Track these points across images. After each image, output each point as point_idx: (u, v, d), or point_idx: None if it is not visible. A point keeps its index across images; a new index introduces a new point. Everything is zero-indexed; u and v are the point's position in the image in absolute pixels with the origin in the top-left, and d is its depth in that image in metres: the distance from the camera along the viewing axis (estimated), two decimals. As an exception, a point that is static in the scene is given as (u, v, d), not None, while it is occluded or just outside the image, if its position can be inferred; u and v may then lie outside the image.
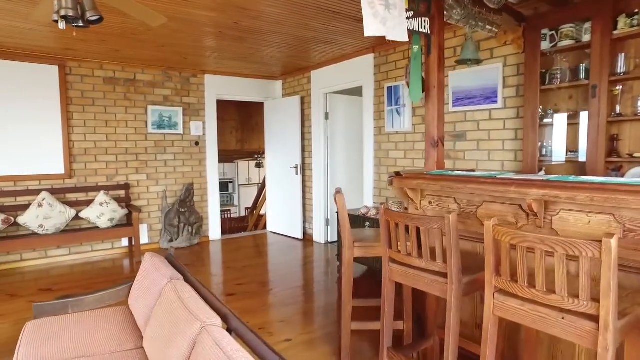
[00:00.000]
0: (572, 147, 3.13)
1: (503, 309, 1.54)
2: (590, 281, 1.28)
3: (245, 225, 8.83)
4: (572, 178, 1.79)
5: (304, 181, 6.23)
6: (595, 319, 1.29)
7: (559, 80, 3.09)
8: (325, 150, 5.85)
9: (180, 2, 3.13)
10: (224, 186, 11.23)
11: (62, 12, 2.26)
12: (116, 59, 4.99)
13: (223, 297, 3.83)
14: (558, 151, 3.20)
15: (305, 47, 4.70)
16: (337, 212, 4.68)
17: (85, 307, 2.50)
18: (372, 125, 4.89)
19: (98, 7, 2.92)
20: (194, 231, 5.86)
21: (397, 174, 2.48)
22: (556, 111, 3.18)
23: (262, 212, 8.15)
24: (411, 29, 2.31)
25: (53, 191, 4.76)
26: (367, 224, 4.14)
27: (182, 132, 5.79)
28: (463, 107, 3.76)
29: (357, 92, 5.39)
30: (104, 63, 5.08)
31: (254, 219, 8.32)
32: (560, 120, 3.15)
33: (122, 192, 5.30)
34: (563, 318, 1.37)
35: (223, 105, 8.59)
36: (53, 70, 4.74)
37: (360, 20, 3.57)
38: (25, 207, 4.57)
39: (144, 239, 5.50)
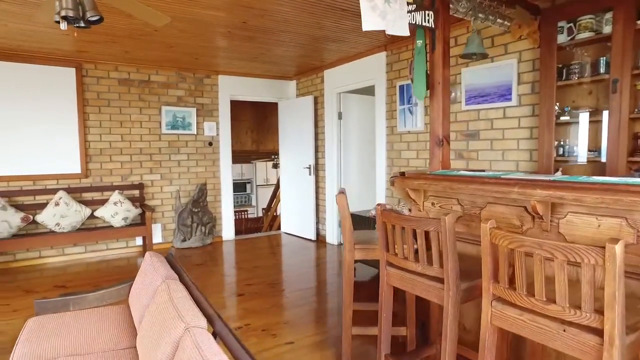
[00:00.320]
0: (592, 146, 2.95)
1: (501, 319, 1.44)
2: (594, 291, 1.17)
3: (261, 225, 8.85)
4: (582, 178, 1.67)
5: (317, 182, 6.17)
6: (599, 332, 1.18)
7: (577, 75, 2.93)
8: (338, 150, 5.78)
9: (185, 2, 3.12)
10: (241, 187, 11.31)
11: (63, 13, 2.28)
12: (130, 60, 5.06)
13: (231, 297, 3.82)
14: (577, 151, 3.03)
15: (317, 46, 4.64)
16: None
17: (86, 304, 2.52)
18: (384, 125, 4.79)
19: (102, 8, 2.94)
20: (207, 231, 5.88)
21: (402, 174, 2.39)
22: (574, 108, 3.02)
23: (276, 213, 8.15)
24: (413, 22, 2.22)
25: (69, 190, 4.87)
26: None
27: (195, 133, 5.83)
28: (476, 105, 3.62)
29: (370, 91, 5.29)
30: (118, 65, 5.17)
31: (268, 220, 8.32)
32: (578, 118, 2.98)
33: (136, 192, 5.37)
34: (564, 330, 1.26)
35: (238, 106, 8.65)
36: (70, 73, 4.85)
37: (368, 17, 3.48)
38: (43, 206, 4.70)
39: (157, 238, 5.57)
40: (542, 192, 1.56)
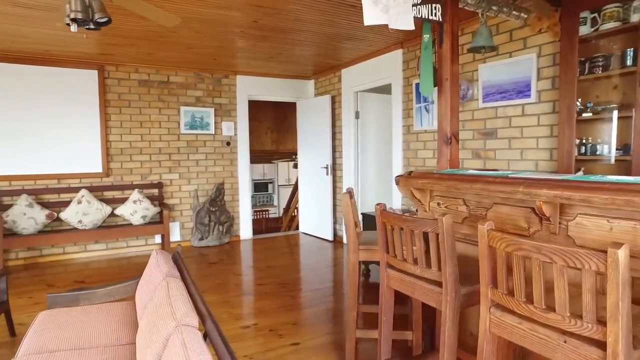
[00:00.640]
0: (619, 144, 2.77)
1: (500, 327, 1.35)
2: (597, 299, 1.07)
3: (280, 225, 8.87)
4: (594, 177, 1.55)
5: (334, 181, 6.12)
6: (602, 345, 1.08)
7: (601, 68, 2.76)
8: (356, 150, 5.71)
9: (193, 2, 3.14)
10: (263, 186, 11.38)
11: (72, 15, 2.33)
12: (150, 62, 5.17)
13: (241, 296, 3.82)
14: (601, 149, 2.85)
15: (332, 45, 4.60)
16: (362, 214, 4.53)
17: (95, 300, 2.57)
18: (400, 124, 4.69)
19: (117, 11, 3.01)
20: (224, 230, 5.93)
21: (410, 173, 2.32)
22: (598, 104, 2.84)
23: (295, 213, 8.14)
24: (419, 16, 2.14)
25: (91, 189, 5.02)
26: (390, 226, 3.95)
27: (213, 133, 5.90)
28: (494, 102, 3.48)
29: (387, 89, 5.20)
30: (139, 66, 5.29)
31: (287, 220, 8.33)
32: (602, 114, 2.80)
33: (155, 191, 5.48)
34: (565, 341, 1.16)
35: (258, 106, 8.69)
36: (93, 75, 5.00)
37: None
38: (67, 204, 4.86)
39: (175, 236, 5.66)
40: (549, 192, 1.46)
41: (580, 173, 2.88)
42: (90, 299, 2.54)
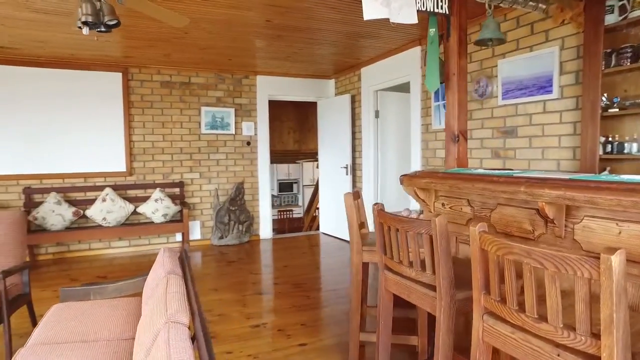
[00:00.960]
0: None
1: (493, 335, 1.26)
2: (591, 309, 0.98)
3: (302, 225, 8.88)
4: (604, 176, 1.43)
5: (354, 181, 6.05)
6: None
7: (629, 60, 2.57)
8: (375, 149, 5.62)
9: (202, 3, 3.17)
10: (288, 186, 11.42)
11: (83, 19, 2.39)
12: (171, 63, 5.28)
13: (255, 295, 3.82)
14: (630, 147, 2.65)
15: (349, 43, 4.54)
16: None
17: (106, 295, 2.63)
18: (419, 123, 4.57)
19: (130, 13, 3.07)
20: (244, 229, 5.98)
21: (416, 173, 2.23)
22: (625, 98, 2.65)
23: (316, 213, 8.12)
24: (424, 9, 2.06)
25: (115, 187, 5.18)
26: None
27: (234, 132, 5.96)
28: (514, 99, 3.32)
29: (407, 88, 5.08)
30: (161, 68, 5.41)
31: (308, 220, 8.32)
32: (631, 109, 2.61)
33: (176, 190, 5.60)
34: (558, 355, 1.07)
35: (280, 106, 8.73)
36: (117, 77, 5.17)
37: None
38: (92, 202, 5.04)
39: (196, 235, 5.76)
40: (551, 192, 1.35)
41: (606, 173, 2.70)
42: (101, 293, 2.61)
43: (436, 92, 4.22)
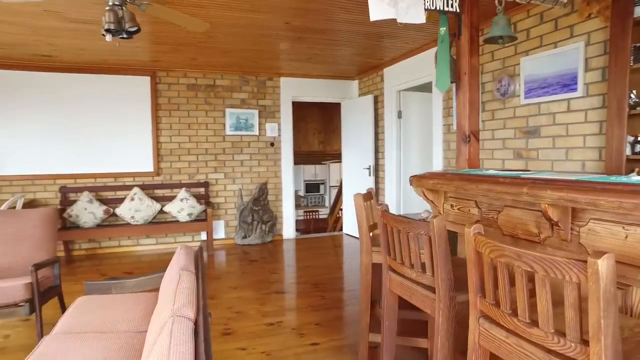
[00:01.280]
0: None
1: (488, 339, 1.24)
2: (580, 315, 0.94)
3: (327, 226, 8.90)
4: (614, 178, 1.37)
5: (376, 182, 6.02)
6: (587, 367, 0.95)
7: (659, 56, 2.43)
8: (398, 150, 5.57)
9: (221, 8, 3.25)
10: (315, 187, 11.48)
11: (106, 26, 2.52)
12: (197, 66, 5.44)
13: (272, 294, 3.87)
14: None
15: (369, 44, 4.53)
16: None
17: (126, 289, 2.75)
18: (440, 123, 4.49)
19: (152, 19, 3.20)
20: (267, 229, 6.07)
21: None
22: (655, 97, 2.51)
23: (340, 214, 8.12)
24: (433, 8, 2.04)
25: (143, 187, 5.39)
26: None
27: (257, 134, 6.06)
28: (536, 98, 3.21)
29: (429, 88, 5.01)
30: (187, 71, 5.59)
31: (332, 221, 8.33)
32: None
33: (201, 190, 5.75)
34: (550, 360, 1.04)
35: (305, 107, 8.79)
36: (145, 81, 5.38)
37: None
38: (121, 200, 5.26)
39: (220, 234, 5.89)
40: (553, 193, 1.31)
41: (634, 174, 2.56)
42: (122, 288, 2.73)
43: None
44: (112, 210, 5.20)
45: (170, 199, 5.49)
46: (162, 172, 5.57)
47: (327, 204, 12.14)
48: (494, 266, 1.17)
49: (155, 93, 5.44)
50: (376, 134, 5.95)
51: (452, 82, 2.17)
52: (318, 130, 9.45)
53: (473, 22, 2.09)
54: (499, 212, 1.71)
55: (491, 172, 1.96)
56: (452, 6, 2.07)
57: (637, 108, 2.55)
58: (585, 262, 0.89)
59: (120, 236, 5.33)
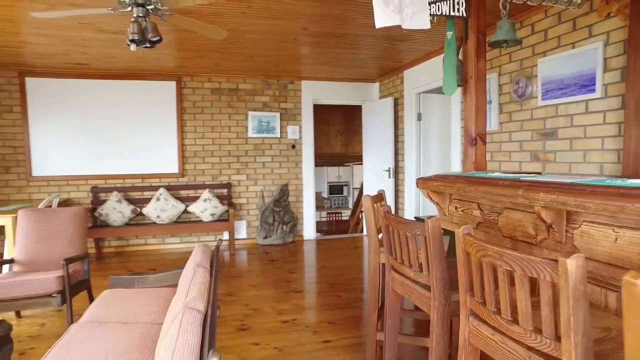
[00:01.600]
0: None
1: (477, 337, 1.27)
2: (555, 313, 0.98)
3: (349, 227, 8.94)
4: (610, 181, 1.37)
5: (396, 185, 6.03)
6: (562, 364, 0.98)
7: (679, 57, 2.37)
8: (418, 152, 5.56)
9: (240, 16, 3.38)
10: (338, 189, 11.54)
11: (131, 37, 2.69)
12: (220, 71, 5.63)
13: (289, 293, 3.97)
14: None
15: (386, 47, 4.56)
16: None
17: (148, 284, 2.91)
18: (458, 125, 4.47)
19: (180, 28, 3.36)
20: (288, 230, 6.18)
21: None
22: (675, 98, 2.44)
23: (361, 216, 8.15)
24: (439, 13, 2.07)
25: (169, 188, 5.62)
26: (440, 231, 3.79)
27: (279, 136, 6.19)
28: (554, 99, 3.16)
29: (448, 89, 4.99)
30: (211, 76, 5.78)
31: (353, 222, 8.37)
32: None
33: (224, 191, 5.93)
34: (529, 357, 1.07)
35: (327, 110, 8.88)
36: (171, 86, 5.61)
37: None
38: (148, 200, 5.51)
39: (242, 234, 6.05)
40: (546, 196, 1.33)
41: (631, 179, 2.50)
42: (143, 283, 2.89)
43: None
44: (139, 209, 5.44)
45: (194, 199, 5.69)
46: (187, 174, 5.79)
47: (350, 205, 12.17)
48: (480, 265, 1.21)
49: (180, 97, 5.66)
50: (396, 136, 5.96)
51: (459, 86, 2.20)
52: (340, 133, 9.52)
53: (479, 26, 2.11)
54: (499, 214, 1.73)
55: (495, 174, 1.98)
56: (458, 11, 2.10)
57: (657, 109, 2.48)
58: (557, 261, 0.93)
59: (146, 234, 5.57)
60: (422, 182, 2.12)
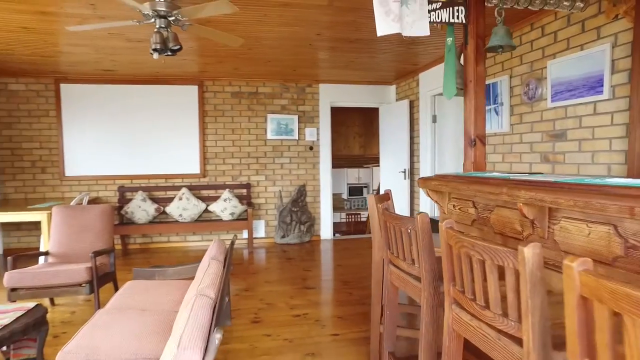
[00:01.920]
0: None
1: (459, 323, 1.38)
2: (518, 298, 1.08)
3: (366, 228, 9.01)
4: (589, 180, 1.45)
5: (411, 186, 6.08)
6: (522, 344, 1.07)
7: (684, 58, 2.38)
8: (433, 154, 5.61)
9: (254, 24, 3.55)
10: (358, 191, 11.62)
11: (153, 46, 2.90)
12: (240, 75, 5.84)
13: (302, 289, 4.11)
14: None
15: (399, 50, 4.65)
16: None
17: (167, 276, 3.11)
18: (472, 126, 4.50)
19: (196, 36, 3.56)
20: (305, 229, 6.33)
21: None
22: (681, 99, 2.45)
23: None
24: (439, 21, 2.17)
25: (190, 187, 5.87)
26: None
27: (297, 138, 6.36)
28: (563, 101, 3.19)
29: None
30: (232, 80, 6.01)
31: (369, 223, 8.43)
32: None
33: (244, 191, 6.14)
34: (499, 339, 1.17)
35: (346, 112, 8.99)
36: (194, 90, 5.87)
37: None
38: (171, 200, 5.77)
39: (260, 233, 6.25)
40: (526, 193, 1.42)
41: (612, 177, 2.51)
42: (163, 275, 3.09)
43: (488, 96, 4.15)
44: (162, 208, 5.71)
45: (215, 199, 5.92)
46: (208, 174, 6.03)
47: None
48: (460, 256, 1.31)
49: (202, 101, 5.91)
50: (412, 137, 6.02)
51: (459, 89, 2.29)
52: (359, 134, 9.61)
53: (479, 32, 2.20)
54: (491, 211, 1.82)
55: (488, 174, 2.06)
56: (458, 18, 2.20)
57: (663, 111, 2.50)
58: (516, 249, 1.03)
59: (169, 232, 5.84)
60: (422, 182, 2.22)
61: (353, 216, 10.56)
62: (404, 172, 6.09)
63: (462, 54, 2.33)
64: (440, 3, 2.17)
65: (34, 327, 2.26)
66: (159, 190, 5.84)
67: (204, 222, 5.75)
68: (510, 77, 3.81)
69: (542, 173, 2.59)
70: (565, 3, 2.39)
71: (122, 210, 5.59)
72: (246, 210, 5.92)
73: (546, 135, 3.39)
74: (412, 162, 6.04)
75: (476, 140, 2.21)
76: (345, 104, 6.69)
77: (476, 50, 2.19)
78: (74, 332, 3.02)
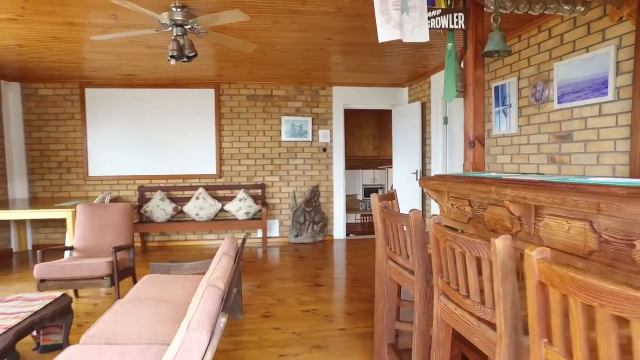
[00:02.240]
0: None
1: (446, 313, 1.47)
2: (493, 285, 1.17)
3: (380, 229, 9.07)
4: (572, 179, 1.52)
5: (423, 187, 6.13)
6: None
7: (686, 60, 2.40)
8: (444, 155, 5.66)
9: (266, 30, 3.70)
10: (373, 192, 11.68)
11: (170, 53, 3.07)
12: (255, 79, 6.02)
13: (313, 286, 4.23)
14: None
15: (409, 53, 4.73)
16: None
17: (182, 271, 3.28)
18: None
19: (210, 42, 3.73)
20: (318, 229, 6.46)
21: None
22: (683, 101, 2.47)
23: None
24: (439, 27, 2.26)
25: (207, 188, 6.07)
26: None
27: (311, 140, 6.49)
28: (569, 102, 3.22)
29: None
30: (247, 83, 6.19)
31: (384, 223, 8.48)
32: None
33: (258, 191, 6.31)
34: (479, 326, 1.26)
35: (360, 114, 9.07)
36: (210, 93, 6.07)
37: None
38: (188, 199, 5.98)
39: (274, 232, 6.40)
40: (511, 192, 1.51)
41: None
42: (179, 269, 3.26)
43: (497, 98, 4.19)
44: (180, 207, 5.93)
45: (230, 199, 6.10)
46: (224, 175, 6.22)
47: (385, 208, 12.26)
48: (445, 250, 1.41)
49: (218, 103, 6.11)
50: (424, 139, 6.08)
51: (460, 92, 2.37)
52: (372, 136, 9.68)
53: (477, 37, 2.28)
54: (485, 209, 1.90)
55: (489, 174, 2.14)
56: (457, 24, 2.28)
57: (666, 112, 2.52)
58: (489, 241, 1.12)
59: (186, 231, 6.05)
60: (422, 182, 2.31)
61: (368, 217, 10.63)
62: (416, 173, 6.15)
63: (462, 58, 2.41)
64: (440, 10, 2.26)
65: (60, 314, 2.44)
66: (177, 190, 6.06)
67: (220, 221, 5.94)
68: (518, 79, 3.85)
69: (543, 174, 2.65)
70: (566, 7, 2.44)
71: (142, 209, 5.82)
72: (261, 210, 6.08)
73: (553, 137, 3.42)
74: (424, 164, 6.09)
75: (475, 141, 2.29)
76: (358, 106, 6.78)
77: (475, 55, 2.27)
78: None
